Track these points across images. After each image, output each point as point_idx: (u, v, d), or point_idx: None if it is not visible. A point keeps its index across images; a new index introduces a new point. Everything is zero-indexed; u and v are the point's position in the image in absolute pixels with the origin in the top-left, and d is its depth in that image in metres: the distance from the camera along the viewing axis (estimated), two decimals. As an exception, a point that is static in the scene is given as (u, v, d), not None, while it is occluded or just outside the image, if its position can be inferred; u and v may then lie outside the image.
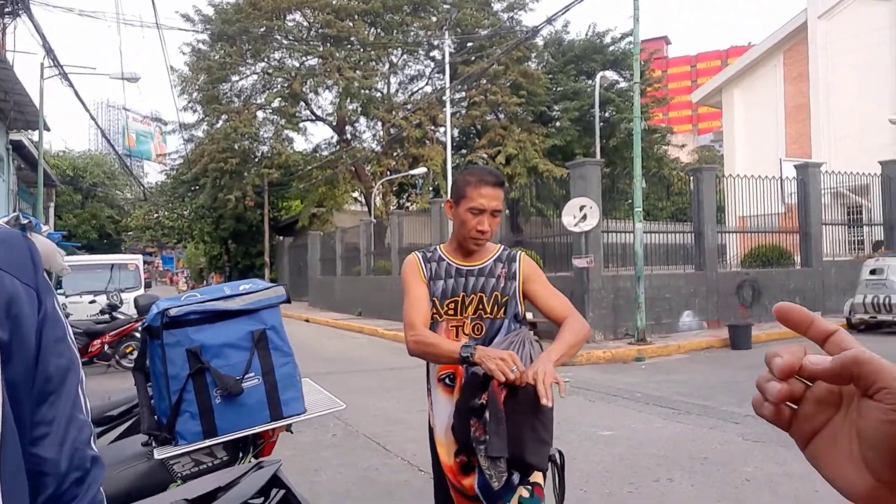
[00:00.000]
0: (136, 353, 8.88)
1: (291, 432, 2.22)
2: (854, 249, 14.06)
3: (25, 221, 5.76)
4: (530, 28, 21.38)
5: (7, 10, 8.39)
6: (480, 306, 1.95)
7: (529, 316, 2.03)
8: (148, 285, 13.65)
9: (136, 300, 8.23)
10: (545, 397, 1.60)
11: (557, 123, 24.51)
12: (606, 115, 23.96)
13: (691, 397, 6.30)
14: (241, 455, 2.09)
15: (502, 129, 22.83)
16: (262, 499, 1.39)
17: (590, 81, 23.66)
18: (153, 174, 48.92)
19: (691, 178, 11.90)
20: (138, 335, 8.77)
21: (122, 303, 9.15)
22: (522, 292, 1.98)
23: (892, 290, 9.96)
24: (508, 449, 1.68)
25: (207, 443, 1.92)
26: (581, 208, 9.73)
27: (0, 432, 0.53)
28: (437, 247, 2.09)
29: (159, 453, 1.87)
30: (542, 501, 1.83)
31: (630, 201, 11.18)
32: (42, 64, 16.12)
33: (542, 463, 1.75)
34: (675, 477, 4.00)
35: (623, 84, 24.76)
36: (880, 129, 16.78)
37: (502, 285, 1.96)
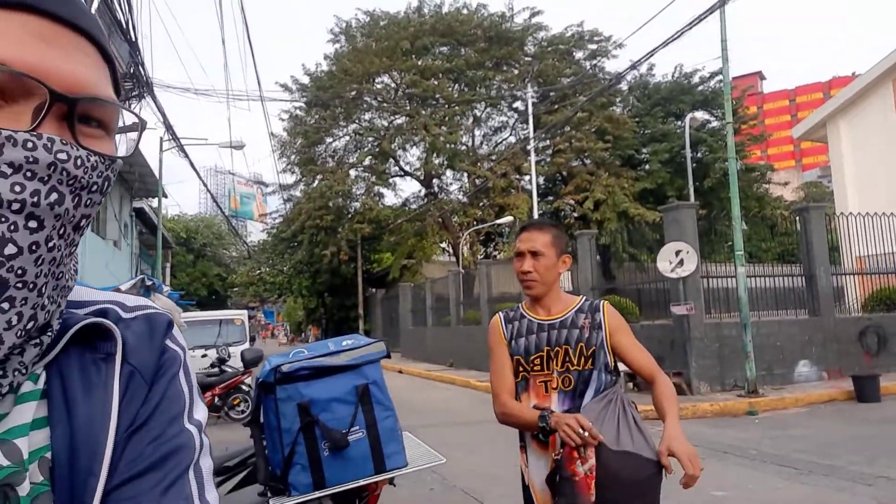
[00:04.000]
0: (242, 405, 9.28)
1: (395, 485, 2.25)
2: None
3: (150, 283, 6.31)
4: (613, 74, 21.34)
5: (134, 93, 9.47)
6: (567, 359, 1.95)
7: (621, 367, 2.02)
8: (252, 339, 14.37)
9: (242, 354, 8.68)
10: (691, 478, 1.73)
11: (647, 166, 24.02)
12: (699, 155, 23.24)
13: (814, 455, 5.76)
14: (347, 507, 2.14)
15: (589, 174, 22.64)
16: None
17: (678, 123, 23.12)
18: (255, 233, 52.15)
19: (797, 217, 11.21)
20: (244, 388, 9.22)
21: (229, 356, 9.65)
22: (610, 343, 1.98)
23: None
24: None
25: (317, 494, 1.98)
26: (677, 253, 9.38)
27: None
28: (520, 304, 2.14)
29: (275, 503, 1.95)
30: None
31: (730, 244, 10.65)
32: (161, 138, 17.86)
33: None
34: (801, 545, 3.65)
35: (714, 123, 24.01)
36: None
37: (587, 336, 1.96)
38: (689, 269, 9.28)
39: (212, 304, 35.17)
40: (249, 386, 9.16)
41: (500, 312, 2.15)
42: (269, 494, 2.02)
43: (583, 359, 1.93)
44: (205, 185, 19.53)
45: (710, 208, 20.03)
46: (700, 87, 24.34)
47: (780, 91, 74.55)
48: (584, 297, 2.09)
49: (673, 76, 24.81)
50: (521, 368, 2.00)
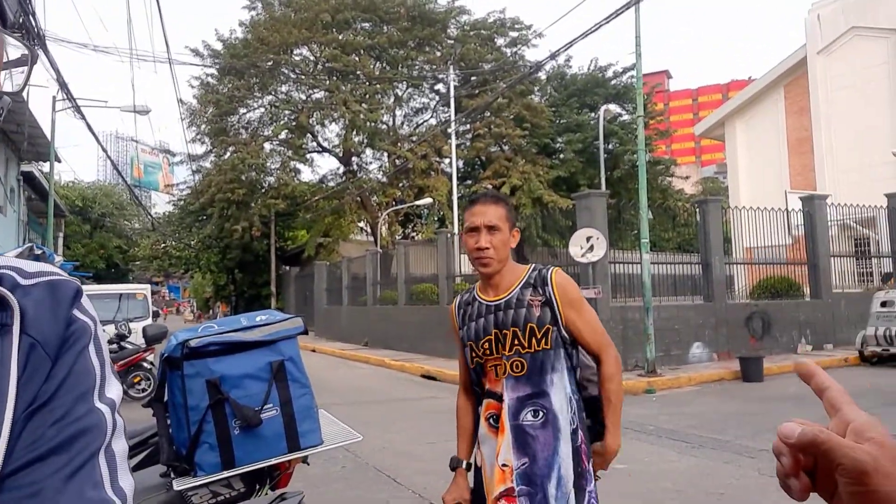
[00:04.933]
0: (143, 384, 8.82)
1: (308, 464, 2.20)
2: (863, 281, 13.98)
3: (39, 252, 5.80)
4: (534, 63, 21.75)
5: (24, 45, 8.62)
6: (517, 342, 1.81)
7: None
8: (156, 315, 13.64)
9: (144, 330, 8.24)
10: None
11: (561, 155, 24.73)
12: (609, 147, 24.18)
13: (705, 430, 6.21)
14: (257, 487, 2.07)
15: (506, 160, 23.03)
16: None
17: (592, 114, 23.93)
18: (161, 204, 49.25)
19: (697, 209, 11.94)
20: (146, 365, 8.76)
21: (130, 332, 9.14)
22: (563, 319, 1.82)
23: (903, 321, 9.87)
24: None
25: (226, 474, 1.90)
26: (588, 239, 9.75)
27: None
28: (475, 286, 2.00)
29: (178, 484, 1.85)
30: None
31: (636, 232, 11.20)
32: (54, 97, 16.42)
33: None
34: (691, 513, 3.92)
35: (626, 117, 25.04)
36: (884, 161, 16.87)
37: (537, 315, 1.80)
38: (599, 254, 9.67)
39: (111, 278, 33.01)
40: (152, 364, 8.72)
41: (458, 296, 2.03)
42: (172, 475, 1.91)
43: (534, 340, 1.78)
44: (104, 150, 18.16)
45: (618, 198, 20.97)
46: (613, 81, 25.25)
47: (684, 90, 78.94)
48: (533, 267, 1.91)
49: (589, 69, 25.59)
50: (473, 354, 1.89)
